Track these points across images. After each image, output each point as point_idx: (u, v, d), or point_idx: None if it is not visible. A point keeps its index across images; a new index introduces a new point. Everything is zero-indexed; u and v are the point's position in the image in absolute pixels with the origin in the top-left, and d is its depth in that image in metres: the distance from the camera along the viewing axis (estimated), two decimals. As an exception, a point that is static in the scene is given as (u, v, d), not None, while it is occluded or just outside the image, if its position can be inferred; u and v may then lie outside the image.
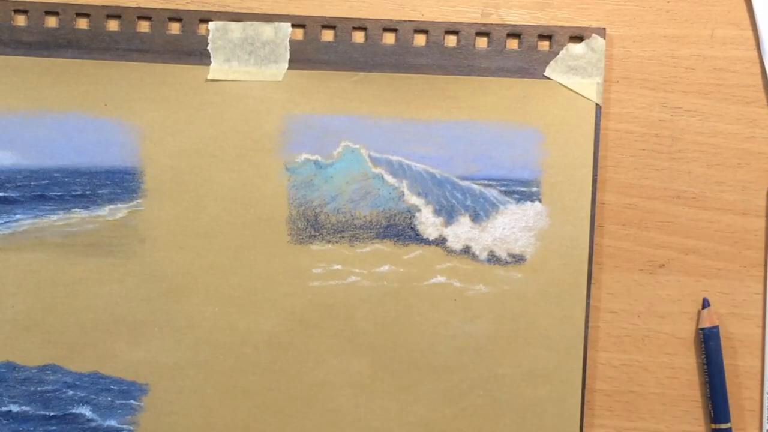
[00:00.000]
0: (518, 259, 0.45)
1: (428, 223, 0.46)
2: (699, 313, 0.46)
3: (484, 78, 0.46)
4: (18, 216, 0.45)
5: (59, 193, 0.45)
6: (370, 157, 0.46)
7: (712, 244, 0.46)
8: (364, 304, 0.46)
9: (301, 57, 0.46)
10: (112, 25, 0.46)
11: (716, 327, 0.46)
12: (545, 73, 0.46)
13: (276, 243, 0.46)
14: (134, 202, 0.45)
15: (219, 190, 0.46)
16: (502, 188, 0.46)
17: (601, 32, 0.46)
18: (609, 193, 0.46)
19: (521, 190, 0.46)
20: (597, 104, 0.46)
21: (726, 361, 0.46)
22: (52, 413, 0.45)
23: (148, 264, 0.45)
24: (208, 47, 0.46)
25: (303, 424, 0.46)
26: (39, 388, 0.45)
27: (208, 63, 0.46)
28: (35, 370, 0.45)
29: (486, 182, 0.46)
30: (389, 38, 0.46)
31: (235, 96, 0.46)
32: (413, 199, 0.46)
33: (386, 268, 0.46)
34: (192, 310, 0.46)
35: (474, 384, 0.45)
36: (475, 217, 0.46)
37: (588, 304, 0.45)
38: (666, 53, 0.46)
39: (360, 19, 0.46)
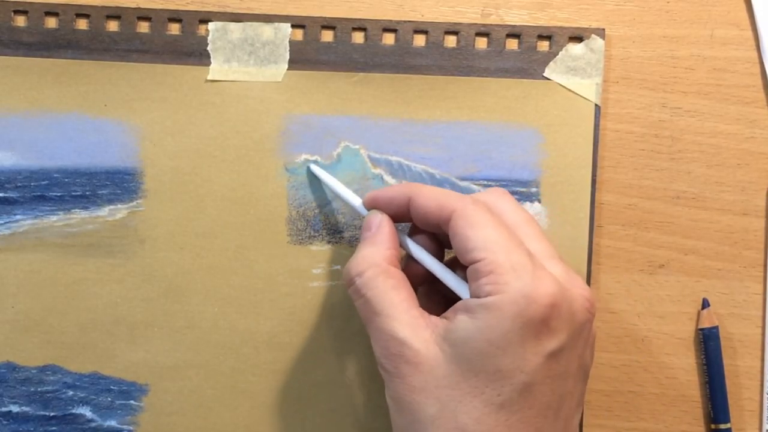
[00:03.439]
0: (518, 259, 0.45)
1: (428, 223, 0.46)
2: (699, 313, 0.46)
3: (484, 78, 0.46)
4: (18, 216, 0.45)
5: (59, 194, 0.45)
6: (369, 157, 0.46)
7: (712, 245, 0.46)
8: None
9: (301, 57, 0.46)
10: (112, 26, 0.46)
11: (716, 327, 0.46)
12: (545, 74, 0.46)
13: (276, 243, 0.46)
14: (134, 203, 0.46)
15: (219, 191, 0.46)
16: (502, 189, 0.46)
17: (601, 33, 0.46)
18: (608, 194, 0.46)
19: (520, 191, 0.46)
20: (596, 105, 0.46)
21: (726, 361, 0.46)
22: (52, 413, 0.45)
23: (148, 264, 0.46)
24: (208, 48, 0.46)
25: (303, 424, 0.46)
26: (39, 389, 0.45)
27: (208, 63, 0.46)
28: (35, 371, 0.45)
29: (485, 183, 0.46)
30: (389, 39, 0.46)
31: (234, 96, 0.46)
32: (413, 200, 0.46)
33: (386, 268, 0.46)
34: (192, 311, 0.46)
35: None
36: (475, 218, 0.46)
37: (587, 305, 0.45)
38: (666, 53, 0.46)
39: (360, 19, 0.46)
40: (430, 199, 0.39)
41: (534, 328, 0.35)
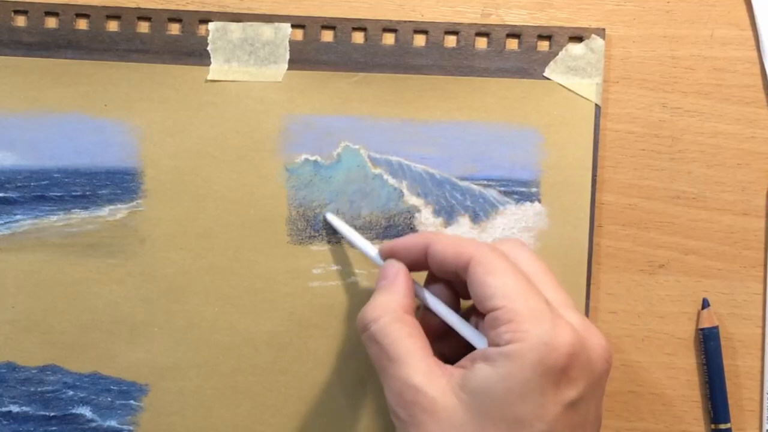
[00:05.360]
0: (518, 259, 0.45)
1: (428, 223, 0.46)
2: (699, 313, 0.46)
3: (484, 78, 0.46)
4: (18, 216, 0.45)
5: (59, 194, 0.45)
6: (369, 157, 0.46)
7: (712, 244, 0.46)
8: (364, 305, 0.45)
9: (301, 57, 0.46)
10: (112, 26, 0.46)
11: (716, 327, 0.46)
12: (545, 74, 0.46)
13: (276, 243, 0.46)
14: (134, 203, 0.46)
15: (219, 191, 0.46)
16: (502, 189, 0.46)
17: (601, 33, 0.46)
18: (608, 194, 0.46)
19: (521, 191, 0.46)
20: (596, 105, 0.46)
21: (726, 361, 0.46)
22: (52, 414, 0.45)
23: (148, 264, 0.46)
24: (208, 48, 0.46)
25: (303, 424, 0.46)
26: (39, 389, 0.45)
27: (208, 63, 0.46)
28: (35, 371, 0.45)
29: (485, 183, 0.46)
30: (389, 39, 0.46)
31: (234, 96, 0.46)
32: (413, 200, 0.46)
33: (386, 268, 0.46)
34: (192, 311, 0.46)
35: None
36: (475, 218, 0.46)
37: (588, 305, 0.45)
38: (666, 53, 0.46)
39: (360, 19, 0.46)
40: (448, 246, 0.39)
41: (554, 377, 0.35)
